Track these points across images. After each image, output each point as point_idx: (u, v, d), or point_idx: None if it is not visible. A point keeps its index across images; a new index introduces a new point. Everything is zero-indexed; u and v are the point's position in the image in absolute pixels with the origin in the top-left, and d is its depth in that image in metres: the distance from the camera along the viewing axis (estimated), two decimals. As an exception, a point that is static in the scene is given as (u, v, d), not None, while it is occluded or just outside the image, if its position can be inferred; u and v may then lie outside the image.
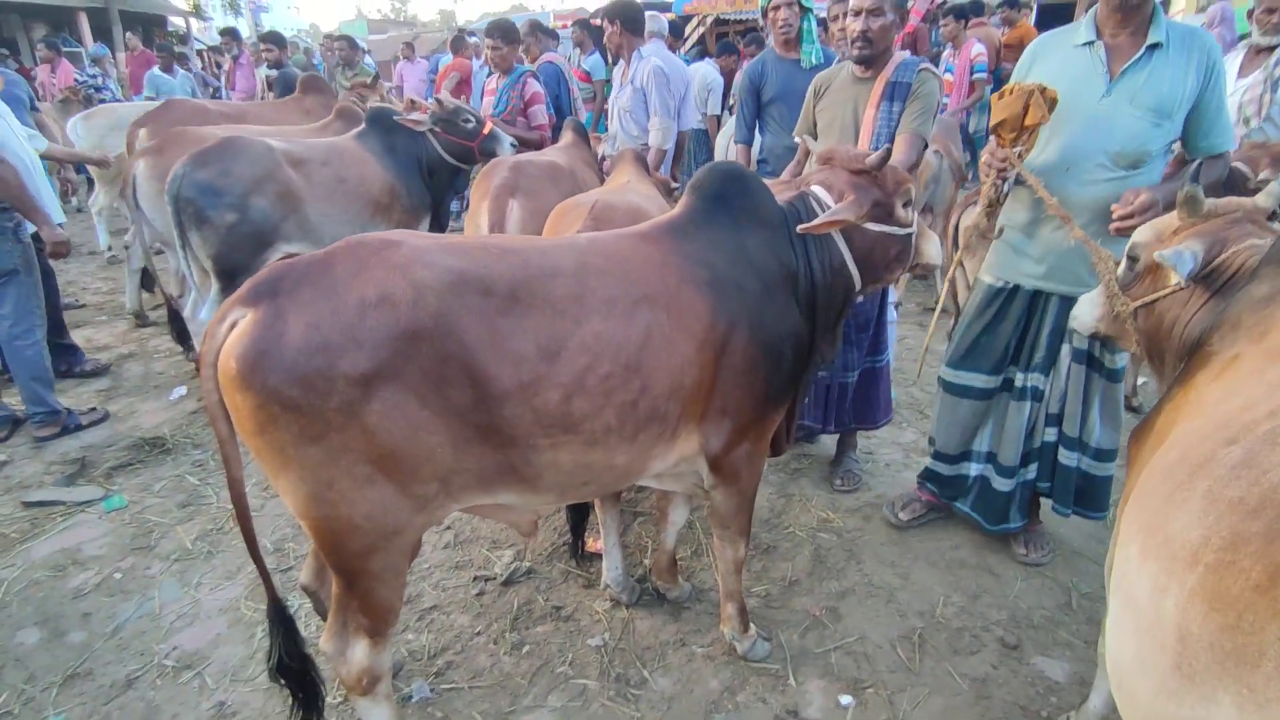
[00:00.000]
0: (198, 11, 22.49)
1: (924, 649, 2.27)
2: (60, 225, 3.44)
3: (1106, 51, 2.18)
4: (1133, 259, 1.75)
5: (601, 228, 2.50)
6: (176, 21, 22.17)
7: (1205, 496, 0.85)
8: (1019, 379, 2.50)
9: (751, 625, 2.26)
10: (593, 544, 2.70)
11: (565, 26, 9.04)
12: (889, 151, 1.91)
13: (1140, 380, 3.84)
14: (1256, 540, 0.74)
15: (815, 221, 1.83)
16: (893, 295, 3.79)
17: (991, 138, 2.21)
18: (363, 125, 4.07)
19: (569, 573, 2.62)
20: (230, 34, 8.40)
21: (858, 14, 2.59)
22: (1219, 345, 1.16)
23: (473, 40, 8.38)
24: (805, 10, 3.29)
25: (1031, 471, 2.57)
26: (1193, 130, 2.17)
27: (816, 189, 1.96)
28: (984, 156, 2.24)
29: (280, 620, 1.71)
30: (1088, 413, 2.42)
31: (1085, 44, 2.22)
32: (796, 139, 2.99)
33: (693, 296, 1.71)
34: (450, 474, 1.55)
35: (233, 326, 1.40)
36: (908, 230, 2.01)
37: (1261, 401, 0.90)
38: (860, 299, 2.21)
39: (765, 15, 3.38)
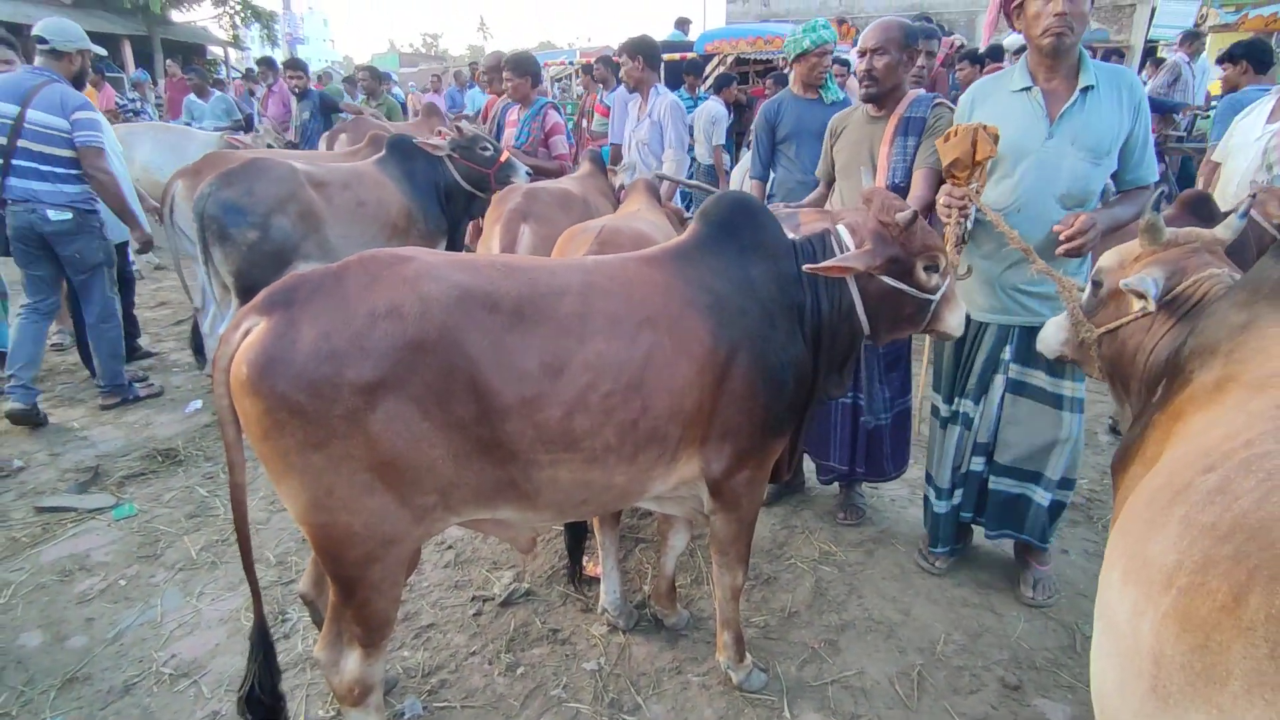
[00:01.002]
0: (236, 42, 23.29)
1: (923, 686, 2.23)
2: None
3: (1044, 96, 2.27)
4: (1096, 284, 1.79)
5: (607, 252, 2.56)
6: (215, 51, 22.99)
7: (1181, 522, 0.85)
8: (954, 404, 2.61)
9: (748, 655, 2.24)
10: (592, 569, 2.70)
11: (590, 62, 9.27)
12: (915, 215, 1.91)
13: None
14: (1225, 563, 0.75)
15: (821, 264, 1.84)
16: None
17: (946, 181, 2.29)
18: (383, 151, 4.20)
19: (568, 596, 2.62)
20: (266, 63, 8.72)
21: (863, 54, 2.68)
22: (1198, 371, 1.17)
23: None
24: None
25: (958, 498, 2.65)
26: (1123, 165, 2.29)
27: (841, 228, 1.97)
28: (941, 199, 2.29)
29: (261, 644, 1.71)
30: (1045, 449, 2.48)
31: (1022, 89, 2.31)
32: (817, 176, 3.05)
33: (695, 320, 1.74)
34: (450, 487, 1.57)
35: (247, 333, 1.45)
36: (927, 296, 1.98)
37: (1241, 431, 0.91)
38: (877, 347, 2.26)
39: (793, 62, 3.44)
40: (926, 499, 2.78)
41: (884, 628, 2.48)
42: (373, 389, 1.42)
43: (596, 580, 2.61)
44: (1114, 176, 2.33)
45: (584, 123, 7.96)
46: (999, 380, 2.48)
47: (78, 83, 3.84)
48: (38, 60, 3.76)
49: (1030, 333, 2.33)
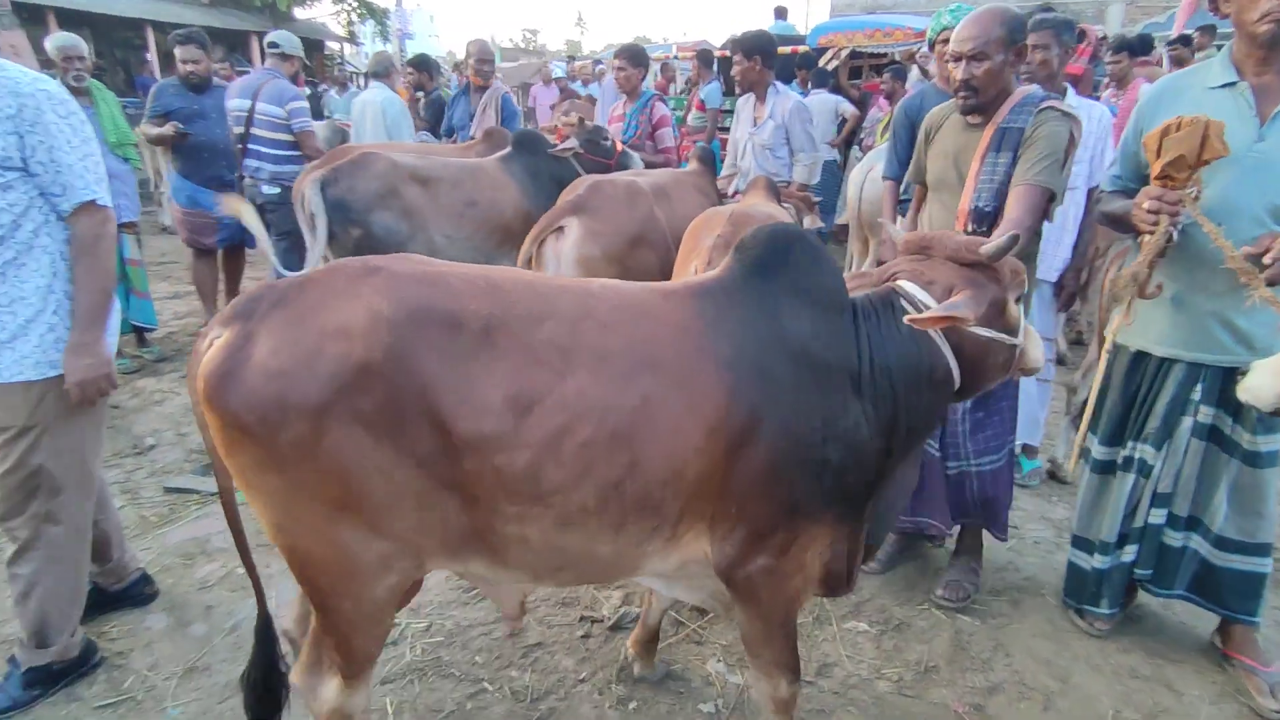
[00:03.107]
0: (352, 37, 24.39)
1: (1091, 772, 1.95)
2: None
3: (1253, 93, 1.92)
4: None
5: (741, 233, 2.36)
6: (333, 46, 24.16)
7: None
8: (1127, 448, 2.23)
9: None
10: (706, 596, 2.53)
11: (688, 57, 9.09)
12: (1014, 240, 1.57)
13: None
14: None
15: (927, 314, 1.48)
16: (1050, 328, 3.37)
17: (1155, 182, 1.92)
18: (508, 148, 4.09)
19: (679, 623, 2.46)
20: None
21: (958, 60, 2.23)
22: None
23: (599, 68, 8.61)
24: None
25: (1130, 554, 2.28)
26: None
27: (906, 284, 1.61)
28: (1146, 203, 1.91)
29: (263, 637, 1.65)
30: (1210, 494, 2.13)
31: (1224, 85, 1.96)
32: (909, 180, 2.72)
33: (710, 372, 1.44)
34: (416, 532, 1.41)
35: (211, 345, 1.36)
36: (1015, 340, 1.65)
37: None
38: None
39: (932, 47, 3.17)
40: (1073, 558, 2.44)
41: (1039, 696, 2.19)
42: (318, 414, 1.28)
43: (706, 611, 2.46)
44: None
45: (685, 117, 7.80)
46: (1186, 424, 2.13)
47: (295, 79, 4.73)
48: (268, 61, 4.67)
49: (1228, 374, 1.99)
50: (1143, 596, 2.49)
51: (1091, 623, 2.43)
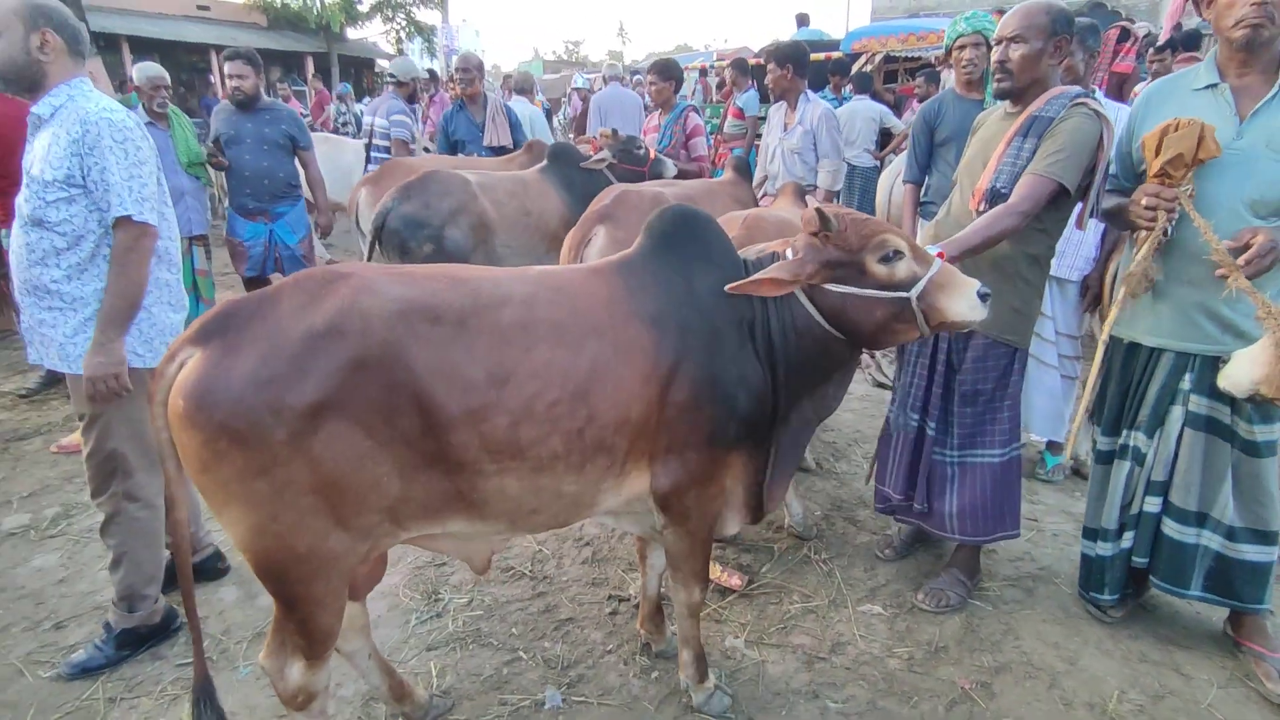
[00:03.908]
0: (400, 54, 25.24)
1: (1091, 746, 2.04)
2: None
3: (1233, 93, 2.01)
4: None
5: (754, 236, 2.51)
6: (382, 63, 25.02)
7: None
8: (1123, 436, 2.32)
9: (710, 675, 2.17)
10: (725, 579, 2.68)
11: (725, 67, 9.23)
12: (822, 213, 1.74)
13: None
14: None
15: (739, 282, 1.74)
16: (1067, 348, 3.43)
17: (1152, 180, 2.04)
18: (545, 161, 4.31)
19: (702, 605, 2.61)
20: (429, 75, 9.39)
21: (999, 42, 2.33)
22: None
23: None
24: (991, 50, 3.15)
25: (1127, 541, 2.34)
26: None
27: (788, 249, 1.87)
28: (1144, 199, 2.04)
29: (202, 690, 1.69)
30: (1216, 488, 2.17)
31: (1207, 87, 2.06)
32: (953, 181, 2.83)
33: (638, 331, 1.72)
34: (398, 503, 1.55)
35: (181, 365, 1.42)
36: (898, 294, 1.76)
37: None
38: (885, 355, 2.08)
39: (949, 54, 3.28)
40: (1082, 547, 2.51)
41: (1045, 675, 2.28)
42: (315, 411, 1.40)
43: (727, 590, 2.61)
44: None
45: (721, 125, 7.95)
46: (1177, 412, 2.20)
47: (411, 99, 6.26)
48: (390, 87, 6.34)
49: (1215, 364, 2.07)
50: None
51: (1105, 610, 2.49)
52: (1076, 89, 2.35)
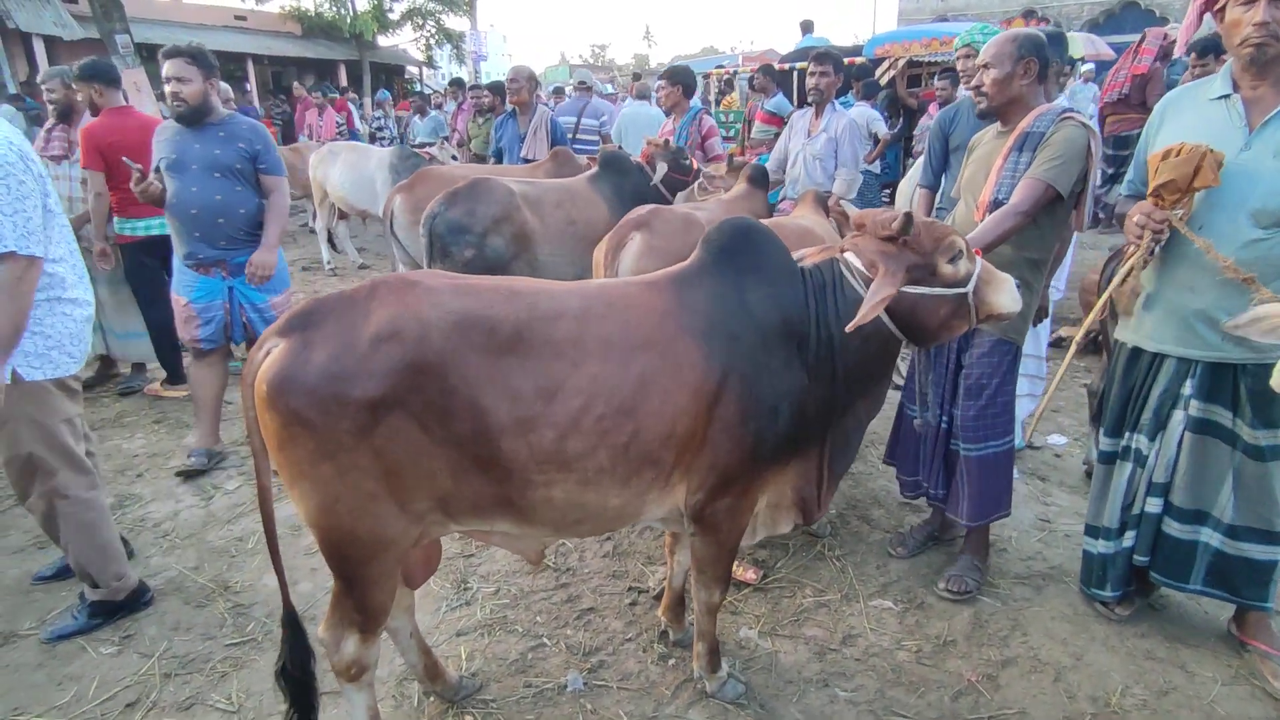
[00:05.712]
0: (430, 62, 25.68)
1: (1093, 737, 2.10)
2: None
3: (1244, 105, 2.07)
4: None
5: None
6: (412, 70, 25.49)
7: None
8: (1125, 438, 2.39)
9: (723, 664, 2.27)
10: (741, 572, 2.78)
11: (754, 70, 9.31)
12: (909, 217, 1.82)
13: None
14: None
15: (859, 318, 1.75)
16: (1041, 348, 3.55)
17: (1149, 199, 2.12)
18: (595, 169, 4.36)
19: (717, 597, 2.72)
20: (457, 84, 9.66)
21: (977, 70, 2.61)
22: None
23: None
24: None
25: (1129, 540, 2.41)
26: None
27: (849, 255, 1.91)
28: (1136, 217, 2.13)
29: (290, 626, 1.86)
30: (1216, 488, 2.24)
31: (1220, 97, 2.12)
32: (955, 196, 2.93)
33: (688, 345, 1.75)
34: (449, 498, 1.68)
35: (269, 353, 1.58)
36: (959, 290, 1.87)
37: None
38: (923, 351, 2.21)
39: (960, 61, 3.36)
40: (1084, 545, 2.57)
41: (1051, 670, 2.35)
42: (376, 406, 1.53)
43: (743, 584, 2.71)
44: None
45: (746, 130, 8.02)
46: (1178, 416, 2.26)
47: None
48: (577, 92, 7.29)
49: (1215, 370, 2.15)
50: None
51: (1111, 608, 2.55)
52: (1062, 104, 2.58)
